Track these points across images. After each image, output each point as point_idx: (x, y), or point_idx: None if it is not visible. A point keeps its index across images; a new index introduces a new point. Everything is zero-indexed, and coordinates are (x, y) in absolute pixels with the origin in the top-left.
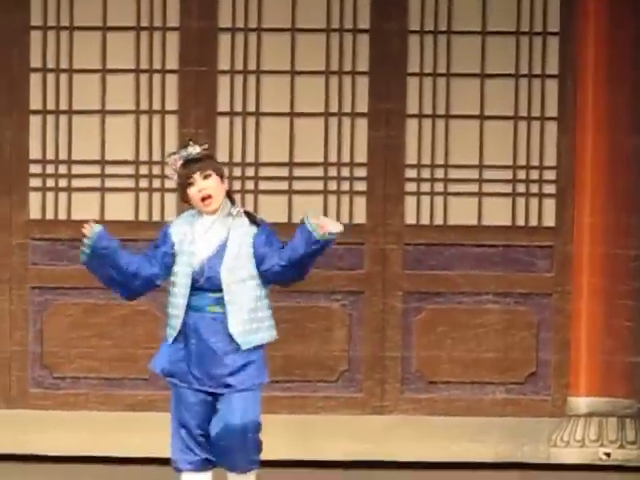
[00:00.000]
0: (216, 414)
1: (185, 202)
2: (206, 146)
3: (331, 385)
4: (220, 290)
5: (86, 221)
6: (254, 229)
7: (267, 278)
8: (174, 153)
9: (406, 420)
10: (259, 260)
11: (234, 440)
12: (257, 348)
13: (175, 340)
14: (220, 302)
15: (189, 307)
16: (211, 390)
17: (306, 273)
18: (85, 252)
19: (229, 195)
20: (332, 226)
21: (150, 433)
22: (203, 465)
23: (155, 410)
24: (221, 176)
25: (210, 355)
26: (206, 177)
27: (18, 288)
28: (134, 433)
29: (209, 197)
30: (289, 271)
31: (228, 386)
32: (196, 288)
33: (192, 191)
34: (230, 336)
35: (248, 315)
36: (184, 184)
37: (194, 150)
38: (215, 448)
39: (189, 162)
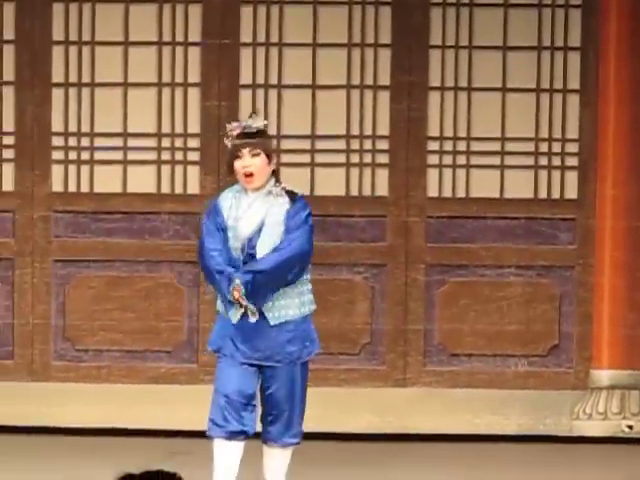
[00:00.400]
0: (262, 387)
1: (230, 173)
2: (266, 122)
3: (353, 358)
4: None
5: (107, 194)
6: (290, 206)
7: None
8: (234, 121)
9: (428, 393)
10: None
11: (279, 410)
12: (300, 321)
13: (232, 319)
14: None
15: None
16: (256, 363)
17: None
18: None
19: (275, 174)
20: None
21: (172, 406)
22: (237, 435)
23: (177, 383)
24: (269, 156)
25: (256, 329)
26: (254, 155)
27: (41, 261)
28: (157, 406)
29: (251, 175)
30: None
31: (273, 359)
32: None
33: (238, 165)
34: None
35: (284, 291)
36: (232, 156)
37: (253, 123)
38: (262, 421)
39: (244, 135)
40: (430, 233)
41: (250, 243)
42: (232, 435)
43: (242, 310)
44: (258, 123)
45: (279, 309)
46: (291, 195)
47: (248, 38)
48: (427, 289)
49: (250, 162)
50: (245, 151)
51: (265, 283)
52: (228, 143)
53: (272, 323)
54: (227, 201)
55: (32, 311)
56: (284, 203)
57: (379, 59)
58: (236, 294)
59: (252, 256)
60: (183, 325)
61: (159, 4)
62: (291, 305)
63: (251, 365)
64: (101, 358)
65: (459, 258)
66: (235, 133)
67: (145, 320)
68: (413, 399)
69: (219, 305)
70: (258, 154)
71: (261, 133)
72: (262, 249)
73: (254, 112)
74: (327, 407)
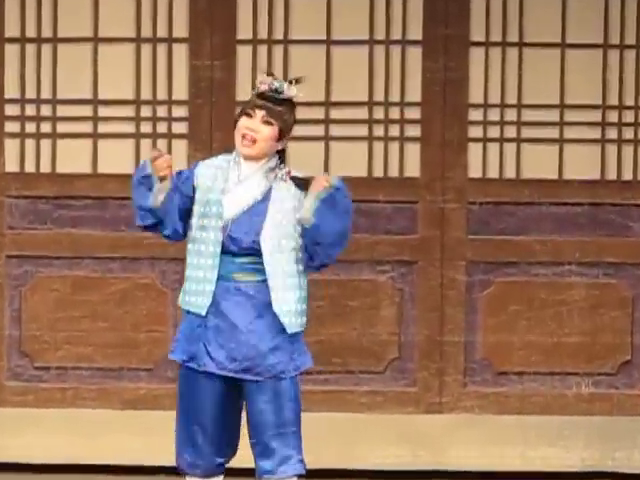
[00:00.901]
0: (244, 406)
1: (234, 126)
2: (300, 95)
3: (377, 377)
4: (246, 255)
5: (74, 175)
6: (299, 193)
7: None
8: (269, 75)
9: (470, 420)
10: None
11: (264, 439)
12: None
13: (187, 313)
14: (248, 269)
15: None
16: (233, 375)
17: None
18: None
19: (282, 156)
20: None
21: (154, 435)
22: (215, 470)
23: (160, 408)
24: (282, 133)
25: (232, 333)
26: (266, 122)
27: None
28: (134, 436)
29: (251, 140)
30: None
31: (254, 372)
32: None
33: (242, 122)
34: (260, 310)
35: (293, 293)
36: (243, 110)
37: (285, 90)
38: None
39: (269, 95)
40: (472, 223)
41: (237, 222)
42: (210, 470)
43: (210, 300)
44: (291, 92)
45: (299, 315)
46: (298, 182)
47: None
48: (468, 292)
49: (258, 127)
50: (258, 112)
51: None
52: (251, 93)
53: (290, 331)
54: (209, 169)
55: None
56: (291, 187)
57: (409, 7)
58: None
59: (234, 241)
60: (167, 336)
61: None
62: (304, 312)
63: (227, 380)
64: (66, 378)
65: (507, 254)
66: (260, 89)
67: (120, 330)
68: (451, 428)
69: (182, 298)
70: (271, 123)
71: (287, 103)
72: (267, 236)
73: (297, 80)
74: (345, 438)
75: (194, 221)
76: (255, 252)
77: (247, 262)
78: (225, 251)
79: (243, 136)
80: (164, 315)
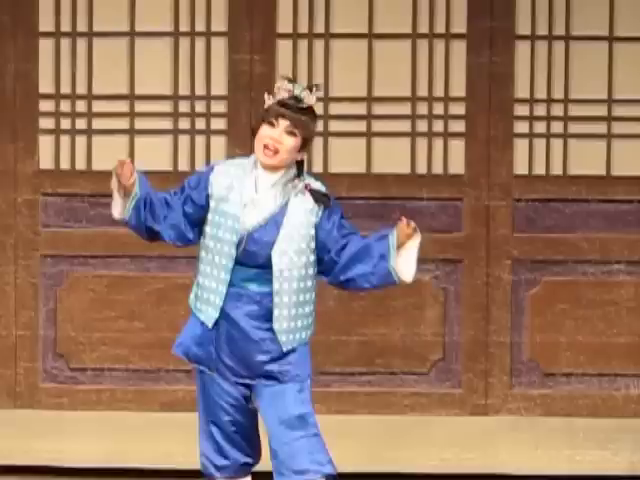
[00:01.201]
0: (258, 411)
1: (253, 135)
2: (320, 95)
3: (421, 378)
4: (260, 267)
5: (110, 172)
6: (319, 209)
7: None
8: (290, 81)
9: (516, 422)
10: (320, 246)
11: (276, 441)
12: (295, 348)
13: (205, 321)
14: (259, 279)
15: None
16: (247, 382)
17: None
18: (129, 206)
19: (300, 167)
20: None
21: (192, 438)
22: (240, 470)
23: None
24: (304, 144)
25: (244, 340)
26: (289, 132)
27: (25, 257)
28: (172, 439)
29: (273, 151)
30: (334, 278)
31: (267, 377)
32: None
33: (263, 130)
34: (268, 321)
35: (295, 310)
36: (263, 118)
37: (306, 97)
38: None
39: (290, 105)
40: (518, 220)
41: (253, 237)
42: (235, 471)
43: (218, 313)
44: (311, 99)
45: (293, 332)
46: (315, 195)
47: None
48: (514, 291)
49: (281, 138)
50: (281, 122)
51: None
52: (268, 99)
53: (285, 349)
54: (225, 177)
55: (15, 320)
56: (308, 201)
57: (453, 0)
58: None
59: (250, 254)
60: None
61: None
62: (305, 326)
63: (240, 383)
64: (102, 379)
65: (555, 252)
66: (280, 96)
67: (157, 331)
68: (497, 430)
69: (192, 300)
70: (294, 134)
71: (310, 112)
72: (279, 251)
73: (316, 86)
74: (388, 440)
75: (207, 229)
76: (269, 265)
77: (261, 273)
78: (240, 262)
79: (265, 146)
80: None
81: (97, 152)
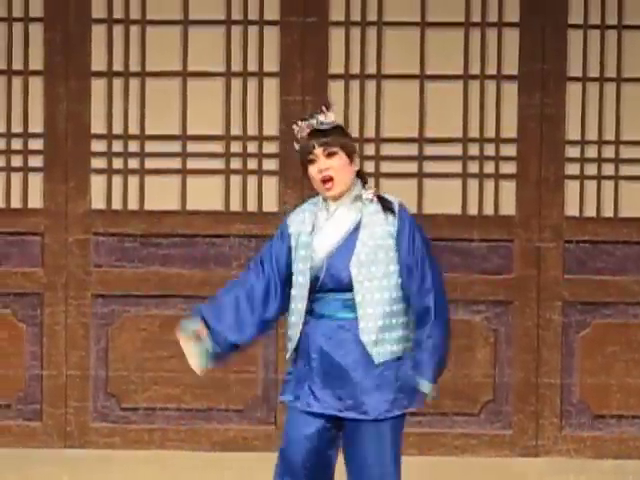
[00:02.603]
0: (345, 450)
1: (307, 177)
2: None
3: (472, 419)
4: (348, 290)
5: (162, 212)
6: (394, 218)
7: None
8: (302, 120)
9: (567, 464)
10: (400, 248)
11: (360, 478)
12: (396, 364)
13: (296, 355)
14: (349, 306)
15: (309, 313)
16: (337, 413)
17: None
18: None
19: (361, 176)
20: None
21: (244, 478)
22: None
23: (251, 449)
24: (350, 154)
25: (336, 372)
26: (330, 155)
27: (77, 296)
28: (224, 478)
29: (330, 180)
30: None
31: (358, 410)
32: (318, 289)
33: (312, 170)
34: (362, 347)
35: (382, 321)
36: (304, 161)
37: (325, 119)
38: None
39: (315, 133)
40: (569, 262)
41: (334, 257)
42: None
43: (295, 345)
44: (329, 117)
45: (382, 344)
46: (385, 203)
47: (339, 15)
48: (565, 333)
49: (327, 164)
50: (318, 151)
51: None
52: (297, 146)
53: (377, 361)
54: (298, 215)
55: (66, 359)
56: (379, 211)
57: (504, 42)
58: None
59: (332, 278)
60: (257, 377)
61: None
62: (396, 339)
63: (329, 418)
64: (154, 419)
65: (605, 294)
66: (305, 133)
67: (209, 371)
68: (547, 472)
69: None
70: (335, 153)
71: (335, 128)
72: (357, 263)
73: (325, 105)
74: None
75: (293, 267)
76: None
77: (349, 298)
78: (325, 289)
79: (321, 181)
80: (254, 356)
81: (149, 192)
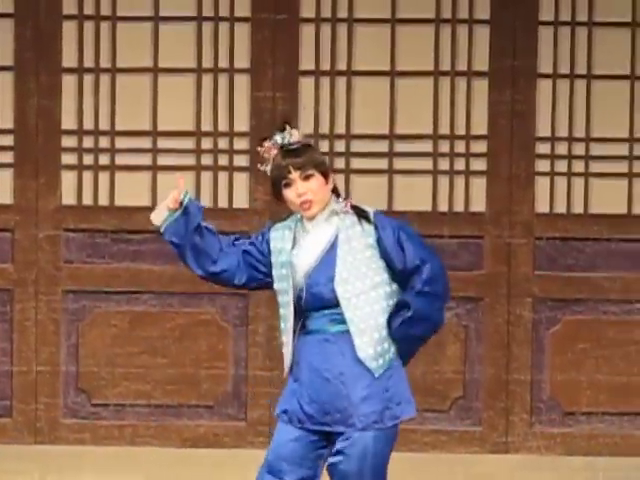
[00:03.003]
0: (329, 462)
1: (279, 200)
2: (307, 135)
3: (442, 416)
4: (331, 306)
5: (132, 208)
6: (370, 227)
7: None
8: (266, 139)
9: (537, 461)
10: (387, 256)
11: None
12: (386, 377)
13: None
14: (335, 320)
15: (300, 329)
16: (326, 429)
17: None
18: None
19: (334, 191)
20: None
21: (215, 474)
22: None
23: (221, 446)
24: (325, 174)
25: (324, 386)
26: (307, 178)
27: (47, 292)
28: (195, 475)
29: (309, 202)
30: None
31: (346, 423)
32: (304, 307)
33: (289, 194)
34: (350, 359)
35: (378, 333)
36: (279, 183)
37: (291, 137)
38: None
39: (286, 154)
40: (539, 259)
41: (314, 275)
42: None
43: (289, 362)
44: (296, 136)
45: (382, 355)
46: (359, 212)
47: (310, 12)
48: (535, 329)
49: (305, 187)
50: (295, 175)
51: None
52: (265, 168)
53: (377, 374)
54: (278, 231)
55: (36, 355)
56: (355, 223)
57: (475, 38)
58: None
59: (315, 296)
60: (228, 373)
61: None
62: (390, 348)
63: (316, 432)
64: (124, 415)
65: (575, 290)
66: (273, 153)
67: (180, 367)
68: (517, 468)
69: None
70: (311, 175)
71: (306, 147)
72: (341, 281)
73: (287, 123)
74: (408, 477)
75: (275, 286)
76: (337, 301)
77: (334, 313)
78: (310, 308)
79: (301, 205)
80: (225, 351)
81: (119, 188)
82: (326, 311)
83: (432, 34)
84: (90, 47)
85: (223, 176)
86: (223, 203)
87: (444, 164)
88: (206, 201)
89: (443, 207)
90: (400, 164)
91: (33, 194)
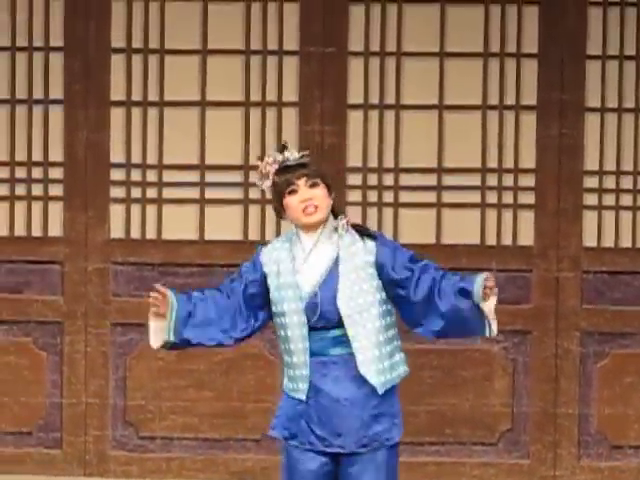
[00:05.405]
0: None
1: (279, 217)
2: (307, 152)
3: (490, 448)
4: (338, 327)
5: (180, 242)
6: (371, 244)
7: (396, 293)
8: (267, 156)
9: None
10: (386, 271)
11: None
12: (390, 393)
13: (297, 396)
14: (341, 341)
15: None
16: (339, 450)
17: (433, 328)
18: (167, 337)
19: (333, 211)
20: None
21: None
22: None
23: (269, 479)
24: (329, 187)
25: (334, 408)
26: (313, 185)
27: (96, 325)
28: None
29: (315, 208)
30: (420, 300)
31: (360, 444)
32: (309, 328)
33: (292, 200)
34: (358, 380)
35: (379, 350)
36: (283, 191)
37: (292, 155)
38: None
39: (288, 168)
40: (587, 292)
41: (321, 294)
42: None
43: (307, 383)
44: (296, 155)
45: (385, 372)
46: (360, 230)
47: (358, 45)
48: (583, 363)
49: (311, 194)
50: (300, 182)
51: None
52: (262, 182)
53: (381, 391)
54: (272, 252)
55: (85, 388)
56: (356, 240)
57: (523, 72)
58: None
59: (322, 316)
60: (275, 407)
61: (246, 2)
62: (395, 364)
63: (330, 458)
64: (171, 447)
65: (623, 324)
66: (274, 169)
67: (227, 400)
68: None
69: (285, 381)
70: (317, 184)
71: (310, 162)
72: (343, 298)
73: (284, 144)
74: None
75: (274, 309)
76: (340, 319)
77: (340, 334)
78: (315, 327)
79: (304, 210)
80: (272, 385)
81: (167, 221)
82: (332, 332)
83: (480, 68)
84: (139, 80)
85: (270, 209)
86: (270, 236)
87: (492, 197)
88: (254, 234)
89: (491, 241)
90: (448, 197)
91: (82, 227)
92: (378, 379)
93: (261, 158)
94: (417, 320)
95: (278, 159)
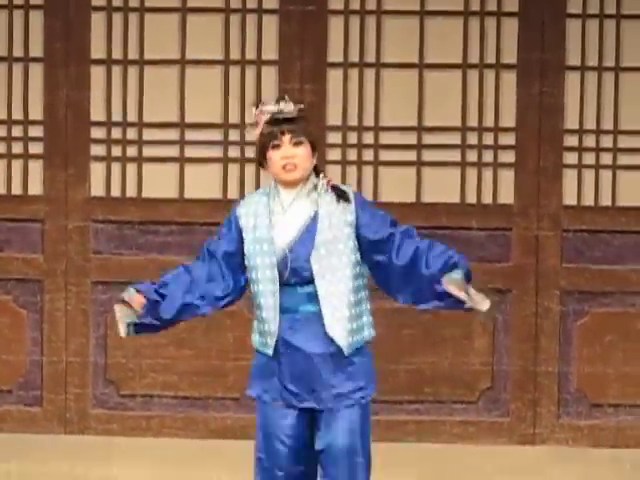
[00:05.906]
0: (316, 437)
1: (261, 166)
2: (302, 106)
3: (470, 407)
4: (310, 283)
5: (160, 200)
6: (349, 205)
7: (373, 257)
8: (261, 104)
9: (564, 453)
10: (365, 232)
11: (337, 467)
12: (361, 351)
13: (265, 350)
14: (313, 298)
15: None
16: (314, 406)
17: (404, 292)
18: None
19: (316, 169)
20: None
21: (240, 466)
22: None
23: (248, 438)
24: (314, 146)
25: (307, 364)
26: (297, 144)
27: (76, 283)
28: (221, 466)
29: (294, 167)
30: (399, 264)
31: (333, 399)
32: (280, 283)
33: (274, 155)
34: (328, 338)
35: (348, 311)
36: (266, 144)
37: (287, 108)
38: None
39: (278, 120)
40: (567, 251)
41: (294, 251)
42: None
43: (275, 339)
44: (291, 108)
45: (352, 334)
46: (338, 192)
47: (338, 4)
48: (563, 322)
49: (292, 152)
50: (285, 138)
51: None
52: (251, 130)
53: (347, 352)
54: (249, 206)
55: (66, 346)
56: (334, 201)
57: (503, 31)
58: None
59: (296, 272)
60: None
61: None
62: (363, 326)
63: (305, 412)
64: (151, 406)
65: (603, 283)
66: (264, 119)
67: (206, 359)
68: (544, 460)
69: (253, 336)
70: (301, 143)
71: (300, 118)
72: (317, 256)
73: (285, 95)
74: (437, 468)
75: (247, 262)
76: (313, 277)
77: (312, 291)
78: (288, 283)
79: (283, 166)
80: (251, 343)
81: (147, 180)
82: (304, 289)
83: (460, 26)
84: (119, 38)
85: (250, 168)
86: (233, 194)
87: (472, 156)
88: (233, 193)
89: (471, 199)
90: (428, 156)
91: (62, 185)
92: (346, 340)
93: (256, 105)
94: (396, 287)
95: (271, 109)
